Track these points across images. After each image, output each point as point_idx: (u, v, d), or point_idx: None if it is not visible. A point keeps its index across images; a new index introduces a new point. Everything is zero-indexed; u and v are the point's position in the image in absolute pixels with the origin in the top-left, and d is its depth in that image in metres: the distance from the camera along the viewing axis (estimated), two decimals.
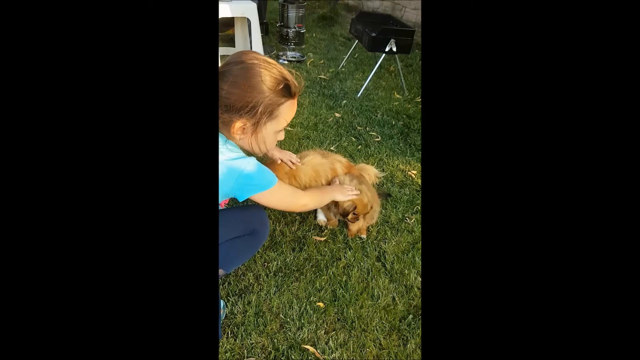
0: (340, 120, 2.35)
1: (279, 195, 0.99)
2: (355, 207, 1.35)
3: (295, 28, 3.48)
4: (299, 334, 1.09)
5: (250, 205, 1.13)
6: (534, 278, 0.47)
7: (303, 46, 3.61)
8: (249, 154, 0.98)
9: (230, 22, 3.25)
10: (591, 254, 0.46)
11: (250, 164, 0.89)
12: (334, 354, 1.05)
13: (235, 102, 0.87)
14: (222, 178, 0.87)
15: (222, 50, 2.99)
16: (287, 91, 0.92)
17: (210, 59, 0.50)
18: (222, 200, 1.04)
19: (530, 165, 0.48)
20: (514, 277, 0.48)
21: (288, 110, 0.95)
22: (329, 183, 1.45)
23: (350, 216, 1.37)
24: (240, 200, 0.94)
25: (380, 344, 1.09)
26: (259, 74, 0.87)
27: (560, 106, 0.47)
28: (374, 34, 2.51)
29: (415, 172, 1.89)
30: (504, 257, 0.49)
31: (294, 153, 1.44)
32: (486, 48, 0.49)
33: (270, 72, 0.89)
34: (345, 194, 1.30)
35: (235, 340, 1.06)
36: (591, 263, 0.46)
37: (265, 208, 1.14)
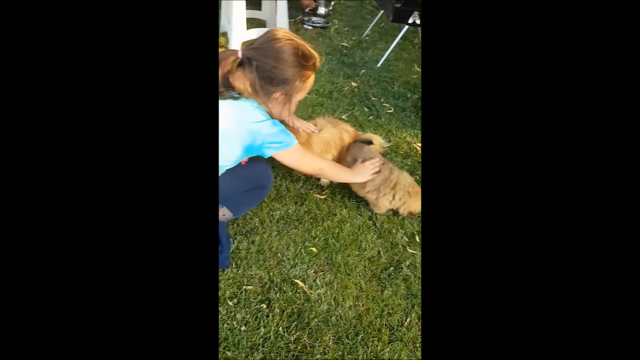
0: (356, 89, 2.42)
1: (299, 155, 1.17)
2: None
3: None
4: (292, 271, 1.27)
5: (258, 163, 1.31)
6: (533, 281, 0.48)
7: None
8: None
9: None
10: (587, 245, 0.46)
11: (275, 126, 1.08)
12: (319, 290, 1.23)
13: (279, 75, 1.04)
14: (244, 140, 1.06)
15: (249, 14, 3.05)
16: (314, 66, 1.09)
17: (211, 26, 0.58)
18: (244, 158, 1.23)
19: (529, 164, 0.49)
20: (513, 278, 0.49)
21: (311, 82, 1.13)
22: (340, 153, 1.57)
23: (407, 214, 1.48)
24: (265, 157, 1.13)
25: (361, 287, 1.27)
26: (298, 51, 1.04)
27: (564, 107, 0.48)
28: (398, 5, 2.50)
29: (420, 144, 1.98)
30: (503, 256, 0.49)
31: (306, 120, 1.57)
32: (485, 45, 0.51)
33: (304, 49, 1.06)
34: (367, 175, 1.39)
35: (237, 270, 1.26)
36: (587, 253, 0.46)
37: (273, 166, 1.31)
